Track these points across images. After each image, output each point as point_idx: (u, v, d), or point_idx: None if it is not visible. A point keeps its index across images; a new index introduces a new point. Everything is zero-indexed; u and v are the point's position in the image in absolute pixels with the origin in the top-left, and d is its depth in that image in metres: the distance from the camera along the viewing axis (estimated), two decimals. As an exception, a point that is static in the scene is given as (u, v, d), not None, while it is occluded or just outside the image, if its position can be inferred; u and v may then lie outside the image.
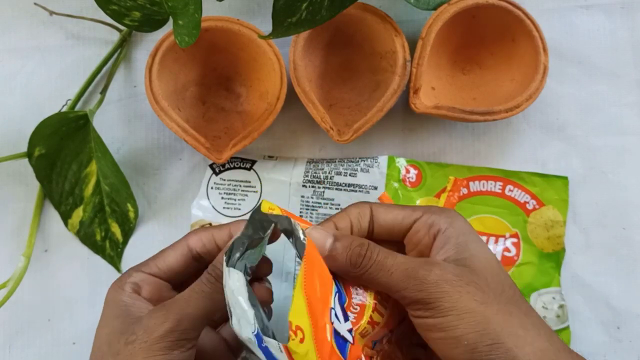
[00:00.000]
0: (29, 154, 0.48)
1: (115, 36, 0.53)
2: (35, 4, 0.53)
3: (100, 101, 0.51)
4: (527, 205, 0.51)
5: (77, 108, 0.52)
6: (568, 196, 0.51)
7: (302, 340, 0.34)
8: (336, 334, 0.35)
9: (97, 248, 0.52)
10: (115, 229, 0.51)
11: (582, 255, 0.51)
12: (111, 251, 0.52)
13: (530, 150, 0.52)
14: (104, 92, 0.51)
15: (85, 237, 0.51)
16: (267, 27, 0.43)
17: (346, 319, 0.36)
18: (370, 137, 0.52)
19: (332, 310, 0.35)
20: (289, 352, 0.33)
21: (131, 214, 0.51)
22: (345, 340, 0.35)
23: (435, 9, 0.48)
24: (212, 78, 0.52)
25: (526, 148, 0.52)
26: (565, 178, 0.51)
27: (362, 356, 0.36)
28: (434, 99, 0.49)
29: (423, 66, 0.48)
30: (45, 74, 0.53)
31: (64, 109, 0.52)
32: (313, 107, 0.48)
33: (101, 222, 0.51)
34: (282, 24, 0.41)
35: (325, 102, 0.51)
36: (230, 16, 0.48)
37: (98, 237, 0.51)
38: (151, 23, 0.47)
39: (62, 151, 0.49)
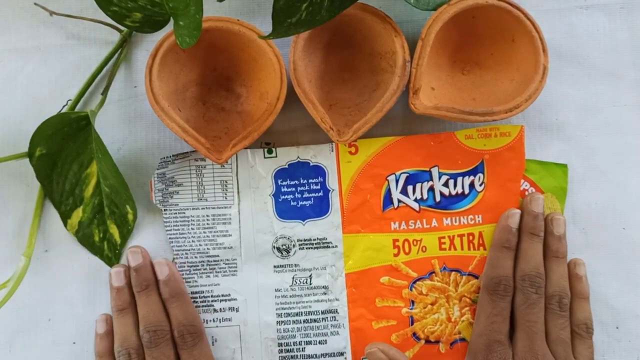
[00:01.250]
0: (30, 154, 0.48)
1: (115, 36, 0.53)
2: (35, 4, 0.53)
3: (102, 102, 0.51)
4: (526, 192, 0.51)
5: (77, 108, 0.52)
6: (567, 184, 0.52)
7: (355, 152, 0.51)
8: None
9: (95, 249, 0.52)
10: (114, 230, 0.51)
11: (581, 255, 0.51)
12: (109, 252, 0.52)
13: (529, 150, 0.52)
14: (105, 92, 0.52)
15: (84, 237, 0.51)
16: (267, 27, 0.44)
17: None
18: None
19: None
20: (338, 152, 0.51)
21: (130, 216, 0.51)
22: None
23: (435, 9, 0.48)
24: (213, 78, 0.52)
25: (526, 148, 0.52)
26: (565, 166, 0.52)
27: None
28: (433, 99, 0.50)
29: (423, 67, 0.48)
30: (45, 74, 0.53)
31: (65, 110, 0.52)
32: (313, 107, 0.48)
33: (100, 223, 0.51)
34: (282, 24, 0.41)
35: (325, 103, 0.51)
36: (231, 17, 0.48)
37: (96, 238, 0.51)
38: (152, 24, 0.47)
39: (63, 151, 0.49)
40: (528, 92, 0.48)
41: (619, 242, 0.51)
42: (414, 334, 0.50)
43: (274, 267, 0.51)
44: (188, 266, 0.51)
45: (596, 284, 0.51)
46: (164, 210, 0.51)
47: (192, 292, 0.51)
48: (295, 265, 0.51)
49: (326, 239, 0.51)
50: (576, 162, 0.52)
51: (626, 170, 0.52)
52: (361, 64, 0.52)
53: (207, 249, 0.51)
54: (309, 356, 0.50)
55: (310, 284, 0.51)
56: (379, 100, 0.48)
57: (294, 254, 0.51)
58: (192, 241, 0.51)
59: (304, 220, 0.51)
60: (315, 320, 0.50)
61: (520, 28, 0.48)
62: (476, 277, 0.50)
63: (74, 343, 0.51)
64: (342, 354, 0.50)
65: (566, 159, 0.52)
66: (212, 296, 0.51)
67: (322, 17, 0.41)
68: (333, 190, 0.51)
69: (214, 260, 0.51)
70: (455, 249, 0.51)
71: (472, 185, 0.51)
